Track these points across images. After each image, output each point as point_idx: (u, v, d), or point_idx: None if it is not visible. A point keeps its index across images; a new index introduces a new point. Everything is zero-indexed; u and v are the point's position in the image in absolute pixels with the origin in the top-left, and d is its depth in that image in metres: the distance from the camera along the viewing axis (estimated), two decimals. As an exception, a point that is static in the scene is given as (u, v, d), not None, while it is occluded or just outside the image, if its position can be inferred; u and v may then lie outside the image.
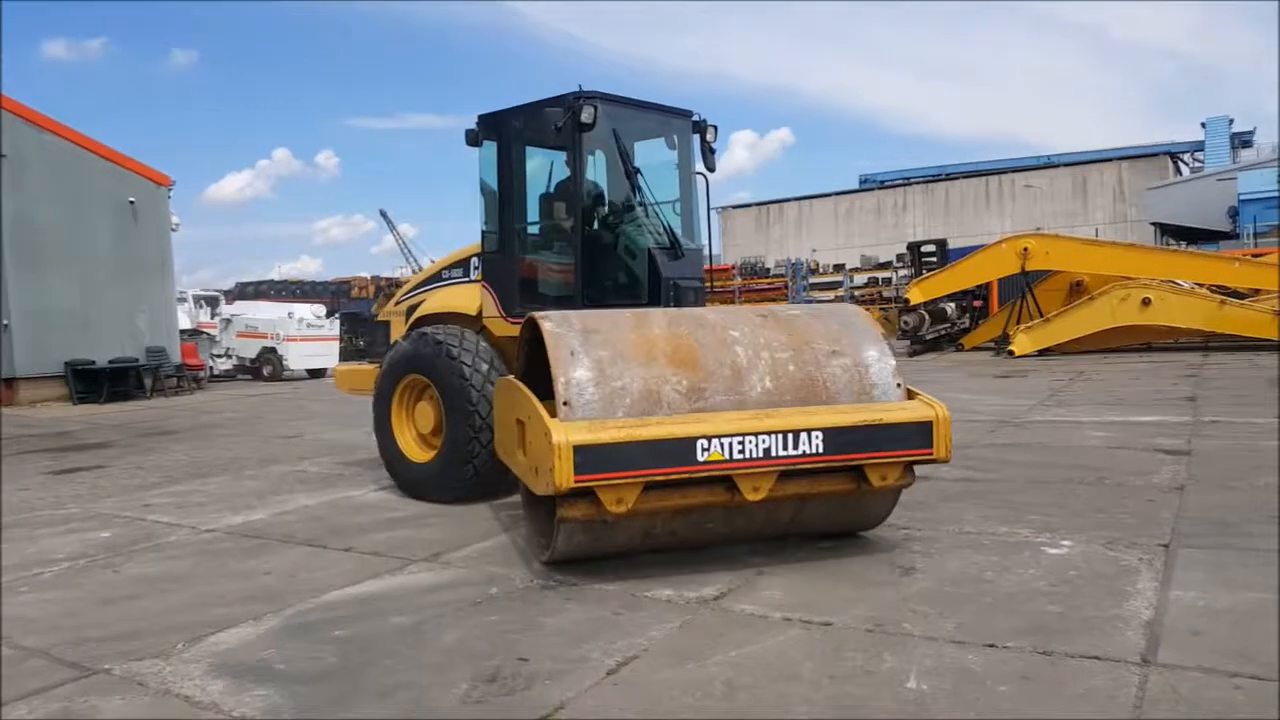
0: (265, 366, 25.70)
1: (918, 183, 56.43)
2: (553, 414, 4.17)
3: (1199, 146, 49.96)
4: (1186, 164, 50.63)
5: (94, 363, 18.62)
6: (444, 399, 6.45)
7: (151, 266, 20.62)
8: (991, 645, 3.45)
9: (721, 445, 4.14)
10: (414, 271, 50.43)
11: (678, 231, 6.93)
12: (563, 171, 6.85)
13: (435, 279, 7.92)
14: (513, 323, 6.50)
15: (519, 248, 6.98)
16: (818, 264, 38.25)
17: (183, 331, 22.84)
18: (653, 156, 7.14)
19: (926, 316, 23.23)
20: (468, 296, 7.28)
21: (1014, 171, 52.87)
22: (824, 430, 4.28)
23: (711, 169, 7.26)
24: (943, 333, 24.38)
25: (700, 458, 4.12)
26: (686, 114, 7.18)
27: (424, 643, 3.76)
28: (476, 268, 7.31)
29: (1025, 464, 7.25)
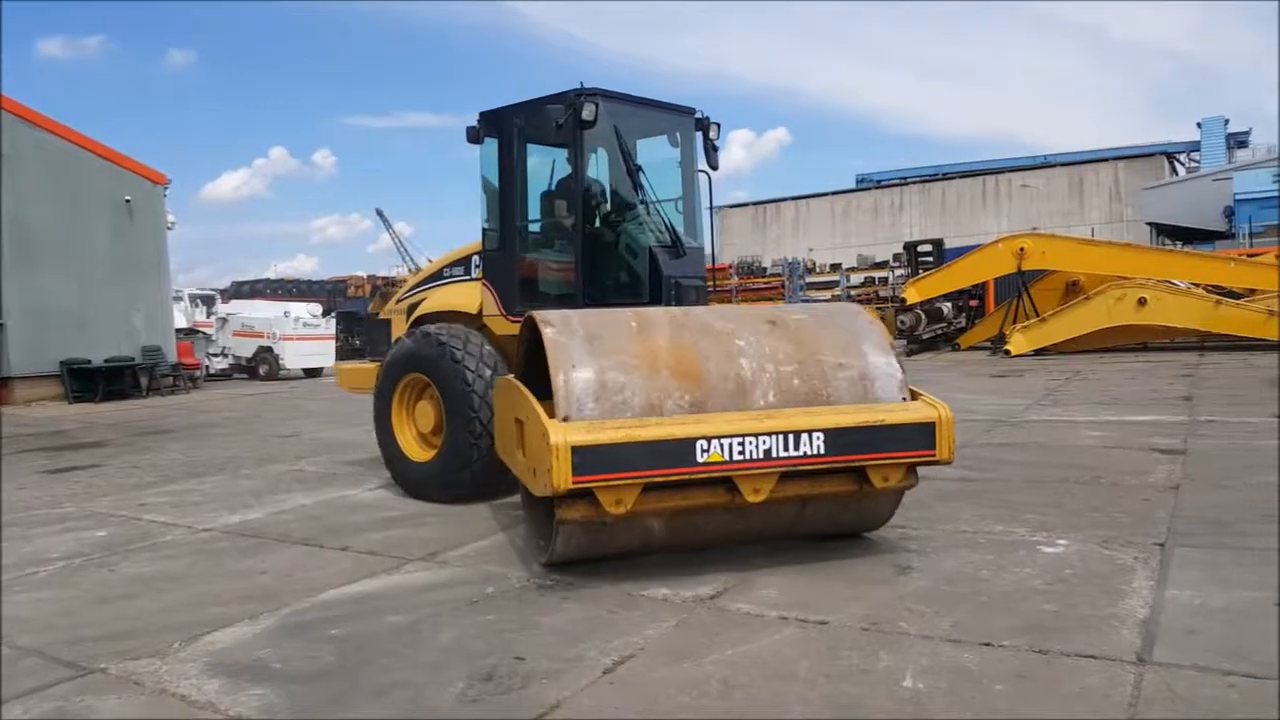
0: (261, 365, 25.66)
1: (914, 182, 56.50)
2: (551, 414, 4.14)
3: (1195, 147, 50.08)
4: (1182, 164, 50.73)
5: (90, 362, 18.58)
6: (445, 402, 6.41)
7: (147, 265, 20.58)
8: (987, 644, 3.45)
9: (721, 446, 4.10)
10: (410, 270, 50.40)
11: (680, 230, 6.90)
12: (564, 169, 6.81)
13: (436, 277, 7.90)
14: (513, 321, 6.48)
15: (520, 246, 6.94)
16: (814, 263, 38.26)
17: (179, 330, 22.81)
18: (655, 154, 7.11)
19: (923, 316, 23.24)
20: (468, 295, 7.25)
21: (1010, 171, 52.97)
22: (825, 431, 4.24)
23: (714, 167, 7.22)
24: (939, 332, 24.41)
25: (700, 459, 4.08)
26: (689, 111, 7.15)
27: (420, 642, 3.76)
28: (477, 266, 7.28)
29: (1021, 463, 7.26)
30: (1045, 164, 52.81)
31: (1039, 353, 19.48)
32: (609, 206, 6.82)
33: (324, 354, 26.77)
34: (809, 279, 34.29)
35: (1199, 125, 49.48)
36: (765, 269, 38.11)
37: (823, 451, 4.23)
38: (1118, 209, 47.89)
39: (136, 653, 3.74)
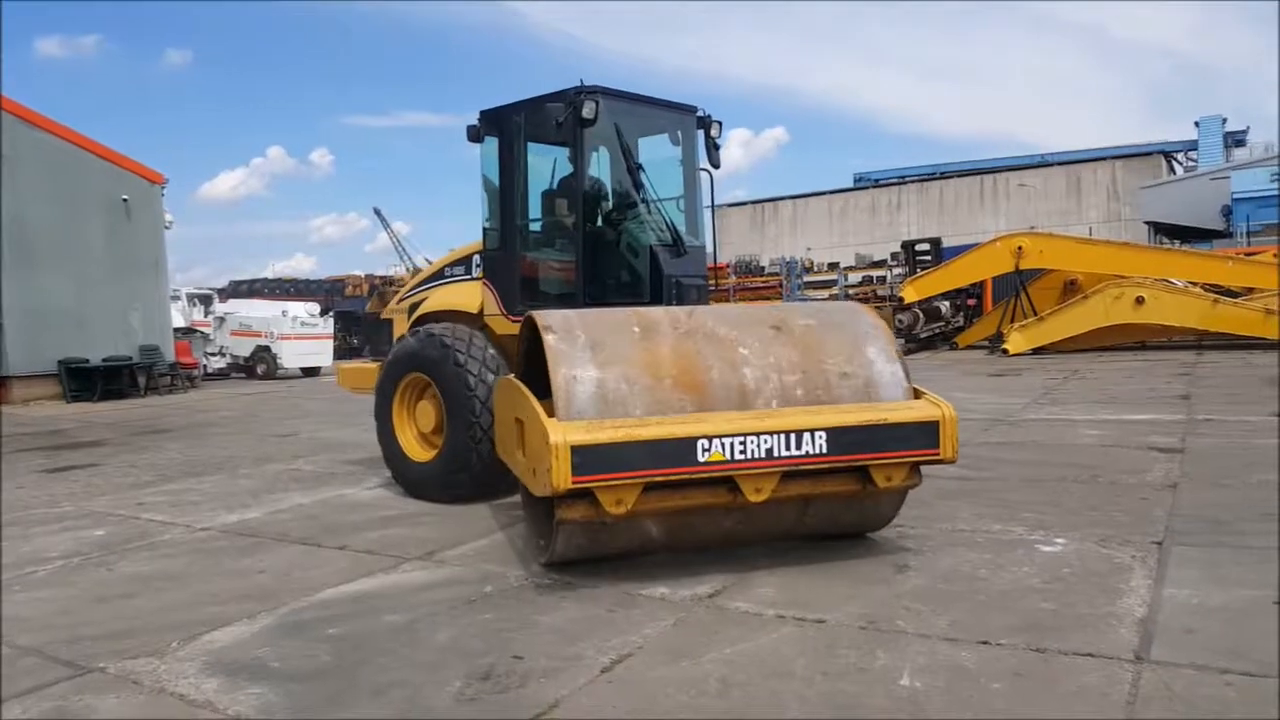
0: (259, 365, 25.64)
1: (912, 181, 56.47)
2: (551, 413, 4.12)
3: (1193, 146, 50.08)
4: (1180, 163, 50.76)
5: (88, 361, 18.58)
6: (447, 405, 6.38)
7: (145, 265, 20.57)
8: (985, 642, 3.46)
9: (722, 445, 4.06)
10: (408, 270, 50.38)
11: (681, 229, 6.87)
12: (566, 168, 6.77)
13: (438, 276, 7.87)
14: (514, 320, 6.44)
15: (520, 245, 6.90)
16: (812, 262, 38.24)
17: (177, 330, 22.79)
18: (656, 153, 7.08)
19: (921, 315, 23.26)
20: (469, 294, 7.22)
21: (1008, 170, 52.96)
22: (827, 430, 4.20)
23: (716, 165, 7.17)
24: (937, 331, 24.43)
25: (701, 458, 4.05)
26: (691, 109, 7.11)
27: (418, 641, 3.76)
28: (478, 265, 7.26)
29: (1019, 462, 7.27)
30: (1043, 163, 52.81)
31: (1037, 351, 19.49)
32: (610, 205, 6.79)
33: (322, 353, 26.77)
34: (807, 278, 34.29)
35: (1196, 124, 49.49)
36: (763, 268, 38.11)
37: (825, 451, 4.20)
38: (1115, 208, 47.90)
39: (135, 652, 3.74)
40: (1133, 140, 51.66)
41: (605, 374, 4.22)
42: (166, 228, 21.58)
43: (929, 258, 26.97)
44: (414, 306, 7.80)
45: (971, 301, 24.90)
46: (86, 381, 18.39)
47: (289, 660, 3.60)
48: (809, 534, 4.85)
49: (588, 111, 6.23)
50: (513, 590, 4.42)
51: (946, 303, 24.45)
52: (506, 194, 6.94)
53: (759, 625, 3.77)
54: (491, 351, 6.45)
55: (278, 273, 65.93)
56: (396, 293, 9.05)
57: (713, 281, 7.40)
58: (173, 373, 20.66)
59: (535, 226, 7.06)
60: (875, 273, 32.94)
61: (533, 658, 3.50)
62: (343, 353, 34.91)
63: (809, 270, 35.94)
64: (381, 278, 50.07)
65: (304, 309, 27.94)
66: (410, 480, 6.83)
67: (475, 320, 7.04)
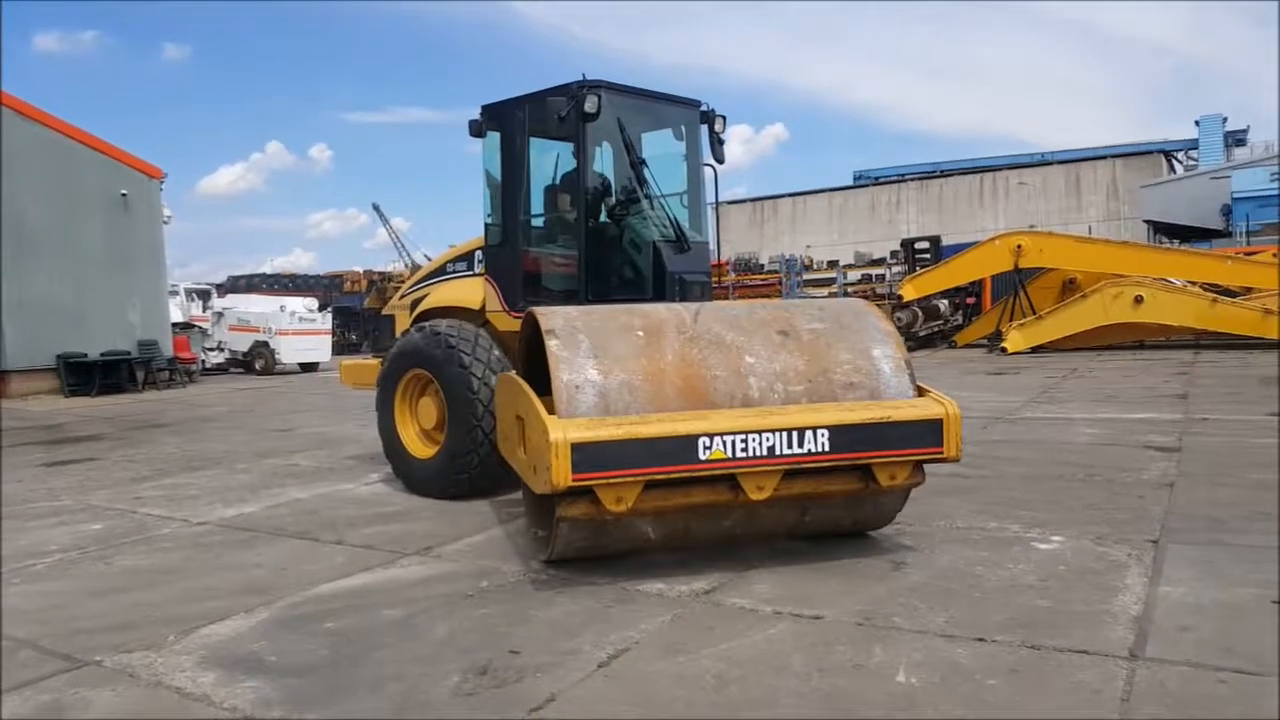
0: (257, 360, 25.65)
1: (912, 179, 56.43)
2: (551, 411, 4.10)
3: (1193, 144, 50.04)
4: (1180, 162, 50.73)
5: (86, 356, 18.58)
6: (450, 406, 6.33)
7: (143, 259, 20.56)
8: (981, 639, 3.47)
9: (724, 443, 4.03)
10: (407, 266, 50.36)
11: (684, 224, 6.83)
12: (568, 163, 6.72)
13: (440, 272, 7.85)
14: (515, 317, 6.41)
15: (523, 240, 6.86)
16: (812, 260, 38.23)
17: (175, 325, 22.79)
18: (660, 148, 7.04)
19: (920, 313, 23.28)
20: (471, 290, 7.20)
21: (1008, 169, 52.92)
22: (830, 428, 4.16)
23: (720, 160, 7.12)
24: (936, 330, 24.44)
25: (702, 456, 4.01)
26: (694, 103, 7.07)
27: (415, 635, 3.76)
28: (480, 261, 7.23)
29: (1016, 460, 7.28)
30: (1043, 162, 52.77)
31: (1035, 350, 19.51)
32: (613, 201, 6.75)
33: (320, 349, 26.78)
34: (806, 276, 34.29)
35: (1197, 123, 49.45)
36: (762, 266, 38.10)
37: (827, 449, 4.16)
38: (1115, 207, 47.89)
39: (132, 645, 3.74)
40: (1133, 139, 51.61)
41: (607, 382, 4.17)
42: (165, 222, 21.58)
43: (928, 256, 26.99)
44: (416, 302, 7.78)
45: (970, 300, 24.91)
46: (85, 376, 18.40)
47: (286, 654, 3.61)
48: (811, 533, 4.82)
49: (590, 106, 6.19)
50: (510, 585, 4.43)
51: (945, 301, 24.45)
52: (509, 189, 6.90)
53: (756, 621, 3.78)
54: (496, 353, 6.36)
55: (276, 268, 65.89)
56: (395, 288, 9.05)
57: (716, 279, 7.36)
58: (171, 368, 20.67)
59: (537, 222, 7.01)
60: (874, 271, 32.93)
61: (530, 652, 3.51)
62: (341, 348, 34.93)
63: (808, 268, 35.93)
64: (380, 273, 50.03)
65: (302, 304, 27.92)
66: (411, 476, 6.81)
67: (477, 316, 7.01)
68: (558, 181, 6.95)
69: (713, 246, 7.30)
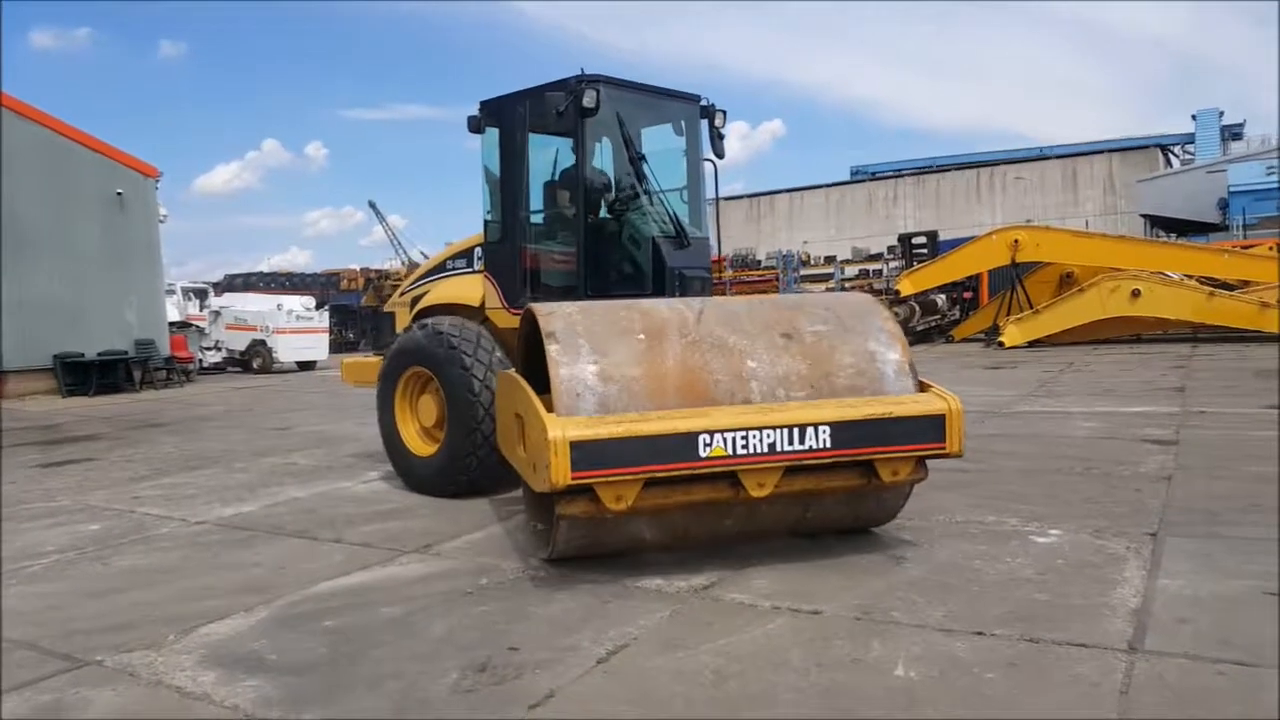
0: (255, 359, 25.64)
1: (909, 175, 56.42)
2: (551, 409, 4.07)
3: (1189, 139, 50.03)
4: (1177, 156, 50.72)
5: (83, 355, 18.56)
6: (450, 406, 6.30)
7: (140, 258, 20.54)
8: (979, 633, 3.47)
9: (724, 440, 4.00)
10: (403, 263, 50.30)
11: (684, 220, 6.80)
12: (568, 158, 6.68)
13: (439, 269, 7.81)
14: (515, 313, 6.38)
15: (522, 237, 6.81)
16: (809, 256, 38.25)
17: (172, 324, 22.75)
18: (660, 143, 7.00)
19: (917, 308, 23.30)
20: (470, 287, 7.16)
21: (1005, 164, 52.89)
22: (831, 424, 4.13)
23: (720, 155, 7.08)
24: (933, 324, 24.46)
25: (702, 453, 3.98)
26: (694, 98, 7.03)
27: (414, 633, 3.76)
28: (480, 258, 7.19)
29: (1014, 454, 7.29)
30: (1040, 156, 52.75)
31: (1033, 344, 19.53)
32: (612, 196, 6.71)
33: (317, 347, 26.76)
34: (803, 271, 34.33)
35: (1194, 117, 49.46)
36: (760, 261, 38.12)
37: (829, 445, 4.13)
38: (1112, 201, 47.89)
39: (131, 645, 3.74)
40: (1129, 133, 51.68)
41: (607, 389, 4.13)
42: (161, 221, 21.55)
43: (925, 251, 27.04)
44: (416, 300, 7.76)
45: (968, 294, 24.95)
46: (82, 376, 18.38)
47: (286, 653, 3.61)
48: (812, 530, 4.80)
49: (588, 101, 6.15)
50: (509, 582, 4.43)
51: (943, 296, 24.48)
52: (508, 185, 6.87)
53: (754, 616, 3.78)
54: (499, 355, 6.29)
55: (273, 266, 65.83)
56: (392, 286, 9.04)
57: (715, 275, 7.34)
58: (168, 367, 20.65)
59: (537, 218, 6.95)
60: (872, 266, 32.98)
61: (529, 649, 3.51)
62: (338, 346, 34.91)
63: (805, 264, 35.96)
64: (377, 271, 49.99)
65: (299, 303, 27.90)
66: (411, 474, 6.78)
67: (477, 313, 6.98)
68: (557, 177, 6.91)
69: (713, 242, 7.26)
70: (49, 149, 18.75)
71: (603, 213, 6.70)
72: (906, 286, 23.04)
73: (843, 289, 28.93)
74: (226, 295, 36.23)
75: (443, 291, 7.49)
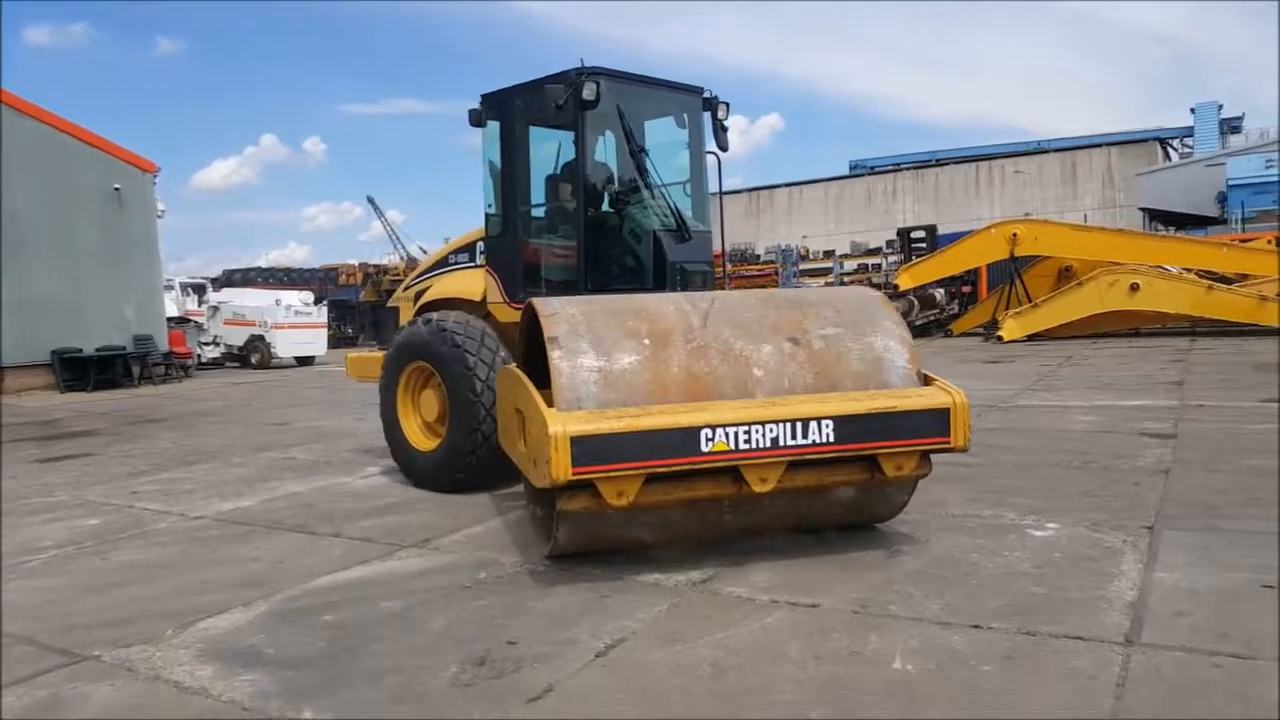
0: (253, 354, 25.61)
1: (908, 169, 56.38)
2: (551, 403, 4.05)
3: (1188, 132, 50.00)
4: (1176, 149, 50.70)
5: (81, 351, 18.55)
6: (451, 404, 6.28)
7: (138, 254, 20.52)
8: (976, 626, 3.48)
9: (726, 435, 3.96)
10: (402, 258, 50.22)
11: (687, 213, 6.77)
12: (570, 152, 6.63)
13: (442, 264, 7.80)
14: (515, 308, 6.36)
15: (523, 231, 6.79)
16: (808, 250, 38.22)
17: (170, 319, 22.73)
18: (663, 136, 6.97)
19: (916, 302, 23.31)
20: (472, 282, 7.15)
21: (1004, 157, 52.87)
22: (835, 419, 4.08)
23: (724, 148, 7.05)
24: (932, 319, 24.48)
25: (704, 448, 3.95)
26: (697, 90, 7.00)
27: (413, 627, 3.77)
28: (482, 252, 7.17)
29: (1012, 448, 7.29)
30: (1039, 150, 52.71)
31: (1031, 338, 19.55)
32: (614, 190, 6.68)
33: (316, 342, 26.74)
34: (802, 266, 34.30)
35: (1193, 111, 49.43)
36: (759, 256, 38.08)
37: (832, 440, 4.08)
38: (1111, 194, 47.87)
39: (129, 640, 3.74)
40: (1128, 127, 51.67)
41: (611, 399, 4.08)
42: (159, 216, 21.53)
43: (924, 245, 27.03)
44: (419, 294, 7.75)
45: (966, 289, 24.97)
46: (80, 371, 18.38)
47: (284, 647, 3.61)
48: (817, 525, 4.76)
49: (588, 93, 6.11)
50: (508, 577, 4.43)
51: (941, 290, 24.50)
52: (509, 179, 6.84)
53: (752, 610, 3.79)
54: (502, 354, 6.24)
55: (271, 262, 65.79)
56: (391, 281, 9.03)
57: (720, 270, 7.30)
58: (166, 362, 20.63)
59: (538, 212, 6.93)
60: (870, 260, 32.94)
61: (527, 643, 3.51)
62: (336, 342, 34.88)
63: (804, 258, 35.93)
64: (375, 266, 49.90)
65: (298, 298, 27.87)
66: (413, 467, 6.77)
67: (478, 308, 6.96)
68: (559, 171, 6.88)
69: (717, 236, 7.22)
70: (46, 145, 18.72)
71: (604, 206, 6.67)
72: (905, 281, 23.05)
73: (841, 284, 28.91)
74: (225, 290, 36.15)
75: (445, 286, 7.47)
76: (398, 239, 55.94)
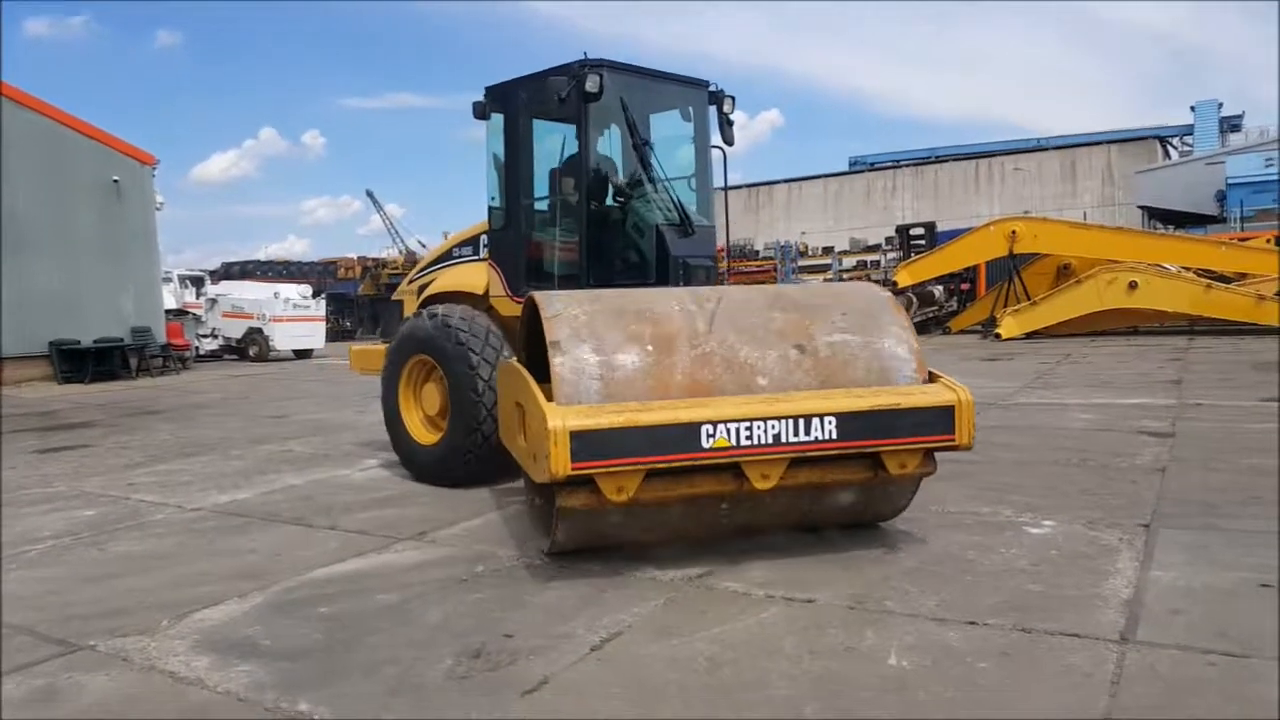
0: (251, 347, 25.59)
1: (907, 165, 56.35)
2: (550, 398, 4.02)
3: (1188, 130, 49.97)
4: (1175, 148, 50.67)
5: (79, 342, 18.53)
6: (453, 402, 6.26)
7: (136, 246, 20.50)
8: (972, 623, 3.48)
9: (728, 431, 3.92)
10: (401, 252, 50.21)
11: (691, 208, 6.73)
12: (574, 145, 6.55)
13: (446, 257, 7.78)
14: (518, 302, 6.32)
15: (526, 224, 6.75)
16: (807, 246, 38.23)
17: (168, 311, 22.72)
18: (668, 129, 6.93)
19: (914, 299, 23.30)
20: (475, 275, 7.12)
21: (1003, 154, 52.84)
22: (838, 415, 4.01)
23: (729, 142, 7.00)
24: (930, 316, 24.47)
25: (705, 444, 3.90)
26: (702, 84, 6.94)
27: (409, 620, 3.77)
28: (486, 245, 7.16)
29: (1010, 445, 7.29)
30: (1038, 147, 52.70)
31: (1030, 336, 19.56)
32: (618, 183, 6.64)
33: (314, 335, 26.72)
34: (801, 262, 34.30)
35: (1192, 109, 49.40)
36: (758, 251, 38.08)
37: (835, 436, 4.03)
38: (1110, 192, 47.87)
39: (125, 630, 3.75)
40: (1128, 124, 51.59)
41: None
42: (157, 209, 21.50)
43: (923, 242, 27.03)
44: (423, 288, 7.73)
45: (965, 286, 24.95)
46: (78, 363, 18.37)
47: (280, 638, 3.61)
48: (817, 523, 4.73)
49: (591, 85, 6.05)
50: (504, 570, 4.43)
51: (940, 287, 24.49)
52: (512, 172, 6.81)
53: (748, 604, 3.79)
54: (506, 353, 6.17)
55: (270, 255, 65.62)
56: (390, 275, 9.01)
57: (722, 267, 7.27)
58: (164, 354, 20.62)
59: (541, 205, 6.88)
60: (869, 257, 32.95)
61: (523, 636, 3.51)
62: (335, 335, 34.86)
63: (803, 254, 35.93)
64: (374, 260, 49.89)
65: (296, 291, 27.81)
66: (414, 460, 6.76)
67: (481, 302, 6.94)
68: (562, 164, 6.81)
69: (722, 230, 7.18)
70: (45, 137, 18.69)
71: (608, 200, 6.63)
72: (904, 278, 23.04)
73: (840, 279, 28.90)
74: (223, 283, 36.10)
75: (448, 279, 7.44)
76: (396, 233, 56.00)
